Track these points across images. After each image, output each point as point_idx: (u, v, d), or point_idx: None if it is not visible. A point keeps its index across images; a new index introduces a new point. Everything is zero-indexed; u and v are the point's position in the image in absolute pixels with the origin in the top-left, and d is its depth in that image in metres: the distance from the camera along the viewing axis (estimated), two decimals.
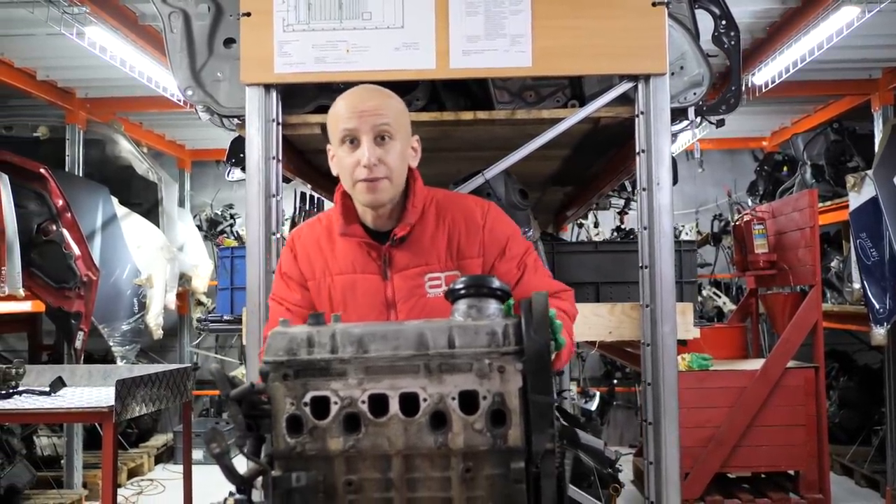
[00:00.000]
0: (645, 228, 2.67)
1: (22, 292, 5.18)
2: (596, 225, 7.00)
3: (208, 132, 7.06)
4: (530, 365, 1.48)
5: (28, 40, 4.94)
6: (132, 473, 7.08)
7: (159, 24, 3.24)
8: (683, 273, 2.98)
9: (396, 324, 1.58)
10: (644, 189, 2.68)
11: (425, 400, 1.50)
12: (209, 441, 1.48)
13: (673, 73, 2.77)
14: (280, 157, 2.78)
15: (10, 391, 3.28)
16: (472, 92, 2.99)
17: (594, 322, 2.76)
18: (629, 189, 4.73)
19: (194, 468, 3.85)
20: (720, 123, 3.20)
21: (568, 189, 4.55)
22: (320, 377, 1.54)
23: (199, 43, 2.91)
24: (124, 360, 6.10)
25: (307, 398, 1.53)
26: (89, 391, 3.43)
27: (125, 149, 6.89)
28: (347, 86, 2.96)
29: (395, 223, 2.01)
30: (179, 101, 5.31)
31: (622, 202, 5.31)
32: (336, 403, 1.52)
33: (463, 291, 1.58)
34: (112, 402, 2.94)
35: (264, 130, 2.73)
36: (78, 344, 5.45)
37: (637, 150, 2.71)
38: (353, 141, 1.93)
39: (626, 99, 2.81)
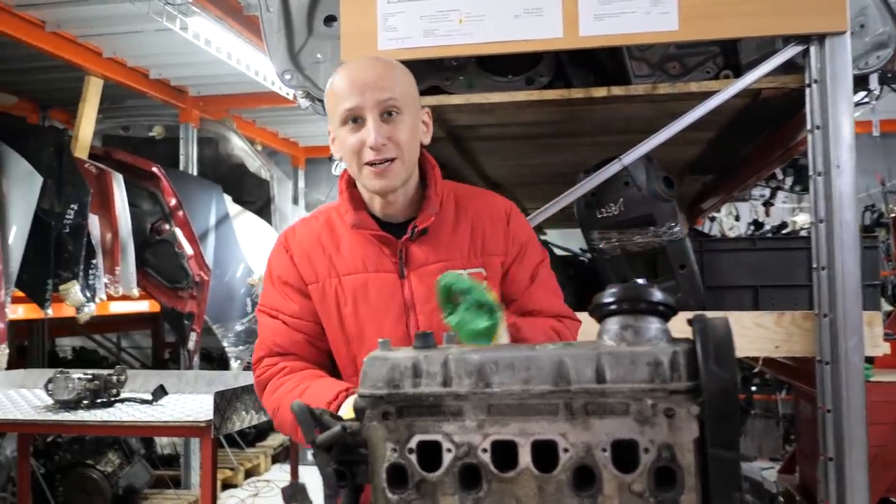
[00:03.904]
0: (821, 221, 2.21)
1: (136, 292, 5.12)
2: (737, 218, 6.40)
3: (322, 128, 6.88)
4: (711, 408, 1.09)
5: (137, 37, 4.86)
6: (249, 474, 7.00)
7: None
8: (863, 274, 2.49)
9: (527, 348, 1.22)
10: (819, 173, 2.22)
11: (566, 450, 1.14)
12: (289, 499, 1.17)
13: (852, 33, 2.29)
14: None
15: (112, 399, 3.11)
16: (604, 66, 2.59)
17: (756, 334, 2.32)
18: (779, 177, 4.19)
19: (308, 469, 3.62)
20: None
21: (708, 178, 4.07)
22: (429, 417, 1.20)
23: (298, 22, 2.63)
24: (238, 361, 6.00)
25: (413, 443, 1.20)
26: (192, 399, 3.23)
27: (238, 146, 6.81)
28: (460, 63, 2.66)
29: (408, 213, 1.78)
30: (289, 95, 5.12)
31: (767, 192, 4.76)
32: (450, 451, 1.18)
33: (614, 306, 1.20)
34: (211, 416, 2.70)
35: None
36: (191, 345, 5.37)
37: (809, 127, 2.26)
38: (356, 120, 1.70)
39: (792, 67, 2.36)
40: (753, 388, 7.56)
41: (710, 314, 1.22)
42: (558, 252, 4.20)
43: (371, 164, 1.68)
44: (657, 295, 1.19)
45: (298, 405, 1.24)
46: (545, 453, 1.15)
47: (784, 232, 4.83)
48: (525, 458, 1.15)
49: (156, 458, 6.29)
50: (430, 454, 1.19)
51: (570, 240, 4.39)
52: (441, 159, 3.45)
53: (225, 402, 2.76)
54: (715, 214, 6.66)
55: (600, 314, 1.23)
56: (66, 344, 8.60)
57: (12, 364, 6.19)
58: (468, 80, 2.58)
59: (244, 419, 2.90)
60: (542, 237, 6.77)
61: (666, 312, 1.21)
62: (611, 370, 1.14)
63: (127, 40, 4.94)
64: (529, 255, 1.83)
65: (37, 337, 6.08)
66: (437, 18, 2.37)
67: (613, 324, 1.20)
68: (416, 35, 2.39)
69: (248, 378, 3.31)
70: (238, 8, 4.69)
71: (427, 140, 1.81)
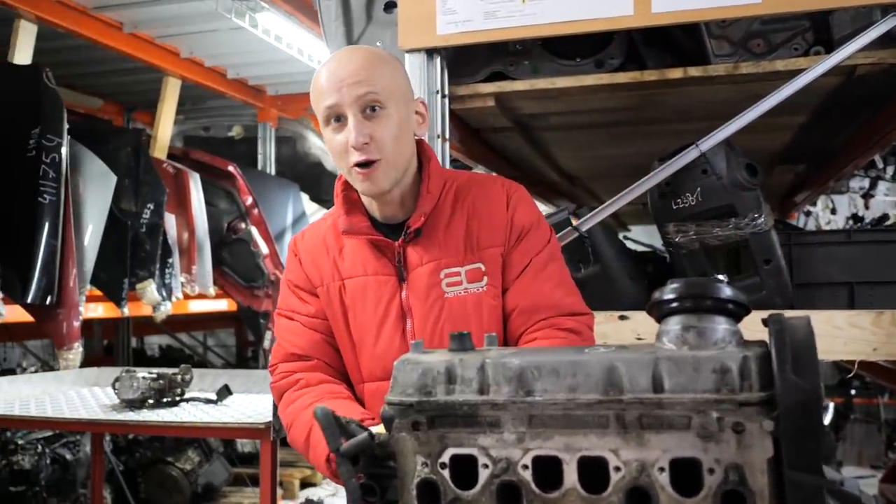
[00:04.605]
0: None
1: (212, 291, 5.16)
2: (833, 212, 6.02)
3: None
4: (788, 423, 0.93)
5: (212, 36, 4.88)
6: None
7: None
8: None
9: (574, 351, 1.08)
10: None
11: (618, 469, 1.00)
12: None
13: None
14: (447, 136, 2.34)
15: (177, 398, 3.09)
16: (681, 45, 2.41)
17: (851, 336, 2.09)
18: (879, 165, 3.89)
19: None
20: None
21: (800, 168, 3.80)
22: (464, 428, 1.07)
23: (357, 9, 2.54)
24: None
25: (446, 457, 1.07)
26: (258, 400, 3.18)
27: (315, 145, 6.81)
28: (524, 47, 2.51)
29: (409, 211, 1.69)
30: None
31: (866, 183, 4.43)
32: (486, 467, 1.05)
33: (675, 304, 1.04)
34: (270, 418, 2.63)
35: (429, 105, 2.30)
36: (266, 344, 5.37)
37: None
38: (338, 119, 1.61)
39: (891, 40, 2.13)
40: (853, 392, 7.13)
41: (790, 313, 1.06)
42: (637, 248, 4.00)
43: (357, 165, 1.59)
44: (725, 291, 1.03)
45: (322, 410, 1.13)
46: (594, 472, 1.01)
47: (886, 225, 4.48)
48: (571, 476, 1.01)
49: (234, 455, 6.34)
50: (464, 469, 1.07)
51: (655, 236, 4.17)
52: (509, 151, 3.33)
53: None
54: (810, 208, 6.28)
55: (659, 313, 1.08)
56: (155, 342, 8.81)
57: (100, 361, 6.36)
58: (533, 65, 2.43)
59: None
60: (625, 233, 6.56)
61: (736, 311, 1.05)
62: (670, 378, 0.99)
63: (202, 39, 4.97)
64: (529, 240, 1.68)
65: (122, 335, 6.21)
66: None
67: (674, 324, 1.05)
68: (476, 18, 2.25)
69: None
70: (308, 2, 4.65)
71: (422, 132, 1.71)
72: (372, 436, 1.10)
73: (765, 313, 1.95)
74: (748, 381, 0.96)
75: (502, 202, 1.69)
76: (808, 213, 6.38)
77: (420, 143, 1.72)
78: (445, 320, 1.63)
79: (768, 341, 0.99)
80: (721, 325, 1.02)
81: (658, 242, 3.69)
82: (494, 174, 1.72)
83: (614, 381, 1.01)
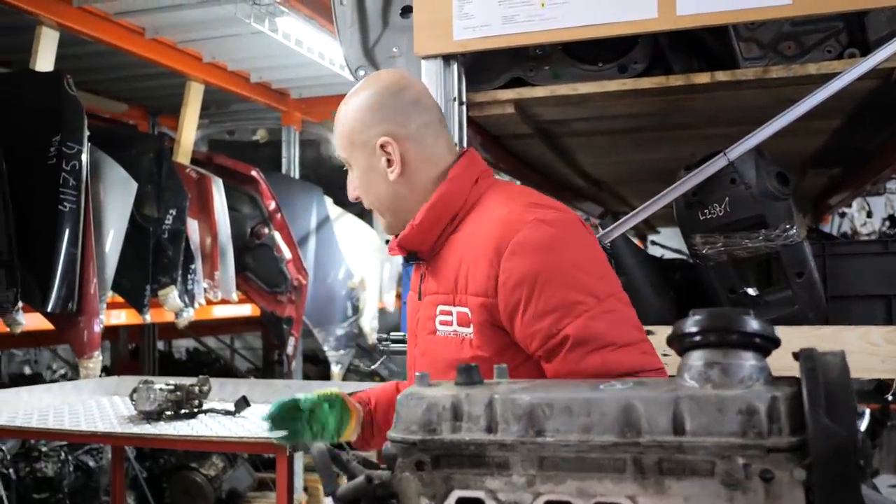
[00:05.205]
0: None
1: (235, 297, 5.12)
2: (869, 215, 5.84)
3: None
4: (821, 472, 0.85)
5: (233, 41, 4.85)
6: None
7: None
8: None
9: (588, 387, 1.01)
10: None
11: None
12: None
13: None
14: (465, 145, 2.27)
15: (195, 410, 3.05)
16: (708, 48, 2.31)
17: (889, 353, 1.99)
18: None
19: None
20: None
21: (834, 171, 3.67)
22: (471, 469, 1.01)
23: (373, 14, 2.48)
24: (339, 366, 5.94)
25: (451, 499, 1.01)
26: None
27: None
28: (545, 52, 2.43)
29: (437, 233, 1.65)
30: None
31: None
32: None
33: (698, 338, 0.97)
34: None
35: (445, 112, 2.23)
36: (289, 350, 5.33)
37: None
38: None
39: None
40: (890, 398, 6.93)
41: (824, 330, 0.98)
42: (667, 255, 3.91)
43: None
44: (752, 324, 0.95)
45: (318, 449, 1.07)
46: None
47: None
48: None
49: (259, 460, 6.32)
50: None
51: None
52: (532, 157, 3.24)
53: None
54: (845, 210, 6.11)
55: (681, 346, 1.00)
56: (182, 345, 8.83)
57: (126, 365, 6.37)
58: (554, 70, 2.35)
59: None
60: (654, 236, 6.44)
61: (764, 345, 0.97)
62: (692, 419, 0.91)
63: (224, 44, 4.94)
64: (538, 300, 1.41)
65: (147, 339, 6.21)
66: (516, 3, 2.15)
67: (697, 359, 0.97)
68: (494, 22, 2.18)
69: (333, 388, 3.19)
70: (327, 5, 4.61)
71: (393, 177, 1.59)
72: (370, 479, 1.03)
73: (797, 329, 1.84)
74: (777, 425, 0.88)
75: (491, 248, 1.47)
76: (842, 215, 6.21)
77: (455, 167, 1.61)
78: (430, 360, 1.57)
79: (799, 379, 0.92)
80: (748, 362, 0.94)
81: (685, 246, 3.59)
82: (529, 202, 1.55)
83: (631, 422, 0.94)
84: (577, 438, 0.95)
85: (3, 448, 4.01)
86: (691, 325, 0.97)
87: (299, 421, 1.63)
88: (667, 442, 0.91)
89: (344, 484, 1.05)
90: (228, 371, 7.32)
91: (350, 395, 1.74)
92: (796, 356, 0.93)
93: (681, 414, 0.92)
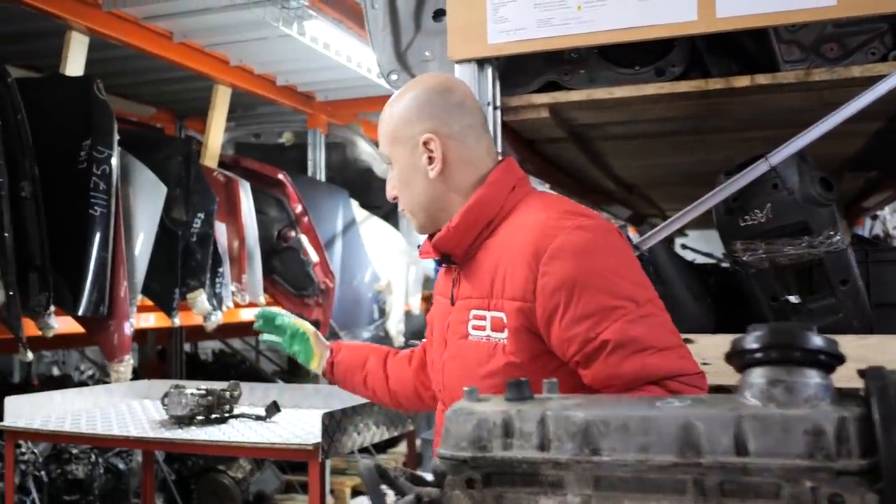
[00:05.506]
0: None
1: (263, 300, 5.13)
2: None
3: None
4: (895, 497, 0.82)
5: (261, 44, 4.85)
6: None
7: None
8: None
9: (646, 405, 0.98)
10: None
11: None
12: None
13: None
14: (500, 149, 2.24)
15: (226, 415, 3.04)
16: (748, 51, 2.27)
17: None
18: None
19: None
20: None
21: (871, 174, 3.61)
22: (523, 487, 0.98)
23: (405, 17, 2.46)
24: None
25: None
26: (307, 416, 3.12)
27: (365, 151, 6.76)
28: (580, 55, 2.40)
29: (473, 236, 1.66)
30: None
31: None
32: None
33: (760, 355, 0.93)
34: (319, 438, 2.57)
35: None
36: None
37: None
38: None
39: None
40: None
41: (869, 341, 0.94)
42: (698, 259, 3.86)
43: None
44: (816, 341, 0.92)
45: (366, 466, 1.05)
46: None
47: None
48: None
49: (286, 463, 6.32)
50: None
51: (714, 243, 4.00)
52: (564, 161, 3.21)
53: (334, 423, 2.62)
54: (877, 212, 6.02)
55: (741, 363, 0.97)
56: (209, 346, 8.86)
57: (154, 367, 6.41)
58: (589, 74, 2.32)
59: (356, 441, 2.75)
60: (682, 239, 6.37)
61: (828, 363, 0.93)
62: (755, 439, 0.88)
63: (251, 48, 4.95)
64: (576, 304, 1.42)
65: (175, 342, 6.23)
66: (552, 6, 2.12)
67: (758, 377, 0.93)
68: (529, 26, 2.15)
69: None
70: (357, 9, 4.60)
71: (433, 174, 1.61)
72: (419, 498, 1.01)
73: (842, 338, 1.79)
74: (846, 446, 0.85)
75: (529, 252, 1.47)
76: (874, 217, 6.13)
77: (494, 171, 1.62)
78: (461, 366, 1.57)
79: (867, 398, 0.88)
80: (813, 380, 0.91)
81: (717, 249, 3.54)
82: (565, 210, 1.55)
83: (691, 442, 0.91)
84: (635, 458, 0.92)
85: (35, 450, 4.02)
86: (752, 341, 0.94)
87: (283, 335, 2.04)
88: (730, 463, 0.88)
89: (392, 502, 1.03)
90: (254, 373, 7.32)
91: (327, 338, 2.00)
92: (862, 373, 0.90)
93: (744, 434, 0.89)
